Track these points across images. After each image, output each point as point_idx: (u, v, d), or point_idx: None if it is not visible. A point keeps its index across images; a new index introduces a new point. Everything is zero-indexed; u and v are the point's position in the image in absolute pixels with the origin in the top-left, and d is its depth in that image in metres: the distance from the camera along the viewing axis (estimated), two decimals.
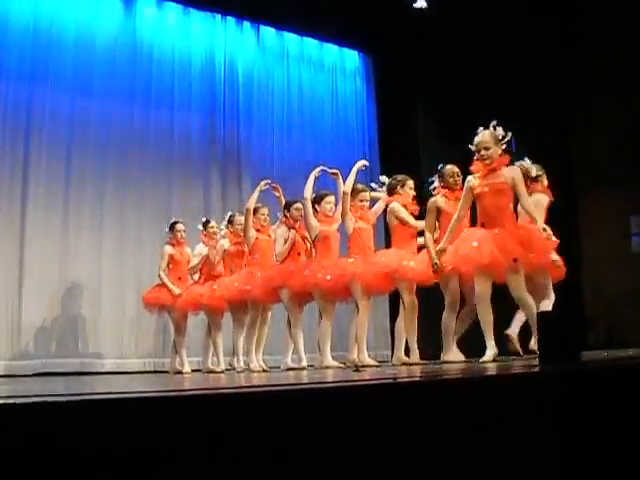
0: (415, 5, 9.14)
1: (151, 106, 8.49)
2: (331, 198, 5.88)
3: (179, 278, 6.99)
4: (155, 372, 7.75)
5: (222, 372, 6.46)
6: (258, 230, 6.38)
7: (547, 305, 5.19)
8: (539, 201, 5.41)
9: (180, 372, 6.82)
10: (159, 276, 6.94)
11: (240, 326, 6.53)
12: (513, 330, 5.48)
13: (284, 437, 1.92)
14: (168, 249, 7.00)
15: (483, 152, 4.73)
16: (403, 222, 5.55)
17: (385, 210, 5.83)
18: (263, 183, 6.45)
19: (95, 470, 1.63)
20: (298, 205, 6.06)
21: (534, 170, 5.56)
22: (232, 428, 1.86)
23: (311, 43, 10.04)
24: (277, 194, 6.51)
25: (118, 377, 6.63)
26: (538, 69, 9.14)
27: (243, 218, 6.68)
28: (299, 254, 6.09)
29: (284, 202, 6.31)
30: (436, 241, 5.14)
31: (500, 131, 4.78)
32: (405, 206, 5.65)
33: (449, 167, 5.50)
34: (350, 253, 5.69)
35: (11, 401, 1.70)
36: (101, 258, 7.88)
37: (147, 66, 8.55)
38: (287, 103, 9.62)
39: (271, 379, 3.93)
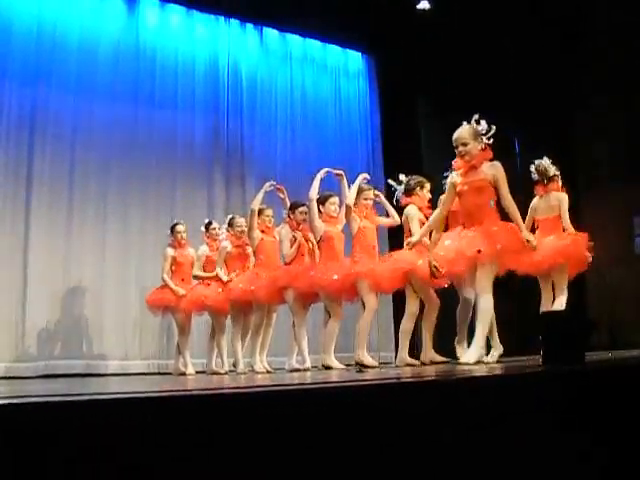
0: (418, 6, 9.16)
1: (155, 108, 8.50)
2: (335, 199, 5.90)
3: (182, 279, 7.01)
4: (159, 374, 7.76)
5: (226, 373, 6.47)
6: (263, 231, 6.40)
7: (561, 303, 5.21)
8: (562, 200, 5.46)
9: (184, 373, 6.84)
10: (162, 279, 6.97)
11: (238, 328, 6.56)
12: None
13: (286, 437, 1.93)
14: (170, 251, 7.03)
15: (461, 148, 4.51)
16: (411, 232, 5.52)
17: (396, 207, 5.86)
18: (268, 184, 6.47)
19: (95, 470, 1.63)
20: (303, 209, 6.08)
21: (552, 169, 5.58)
22: (235, 428, 1.86)
23: (314, 44, 10.06)
24: (282, 195, 6.52)
25: (121, 379, 6.63)
26: (539, 69, 9.15)
27: (243, 220, 6.72)
28: (303, 255, 6.11)
29: (289, 204, 6.32)
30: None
31: (483, 125, 4.56)
32: (421, 209, 5.68)
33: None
34: (354, 253, 5.69)
35: (11, 401, 1.71)
36: (105, 259, 7.89)
37: (150, 68, 8.57)
38: (290, 104, 9.63)
39: (275, 380, 3.92)
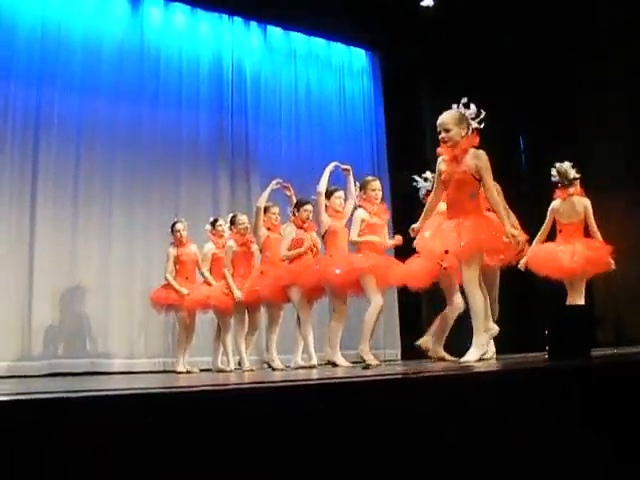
0: (422, 4, 9.16)
1: (159, 106, 8.50)
2: (340, 193, 5.87)
3: (186, 278, 7.02)
4: (164, 372, 7.76)
5: (231, 371, 6.48)
6: (269, 229, 6.42)
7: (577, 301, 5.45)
8: (587, 206, 5.67)
9: (190, 372, 6.85)
10: (166, 278, 6.98)
11: (241, 327, 6.57)
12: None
13: (290, 434, 1.93)
14: (172, 251, 7.05)
15: (443, 134, 4.33)
16: None
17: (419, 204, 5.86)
18: (274, 182, 6.47)
19: (95, 469, 1.63)
20: (308, 207, 6.08)
21: (572, 172, 5.63)
22: (239, 424, 1.86)
23: (318, 42, 10.04)
24: (288, 193, 6.53)
25: (125, 377, 6.64)
26: (539, 69, 9.14)
27: (245, 217, 6.72)
28: (307, 254, 6.10)
29: (295, 201, 6.32)
30: None
31: (473, 109, 4.36)
32: None
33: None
34: (360, 248, 5.65)
35: (12, 398, 1.71)
36: (110, 258, 7.90)
37: (155, 66, 8.57)
38: (295, 102, 9.62)
39: (281, 376, 3.93)
